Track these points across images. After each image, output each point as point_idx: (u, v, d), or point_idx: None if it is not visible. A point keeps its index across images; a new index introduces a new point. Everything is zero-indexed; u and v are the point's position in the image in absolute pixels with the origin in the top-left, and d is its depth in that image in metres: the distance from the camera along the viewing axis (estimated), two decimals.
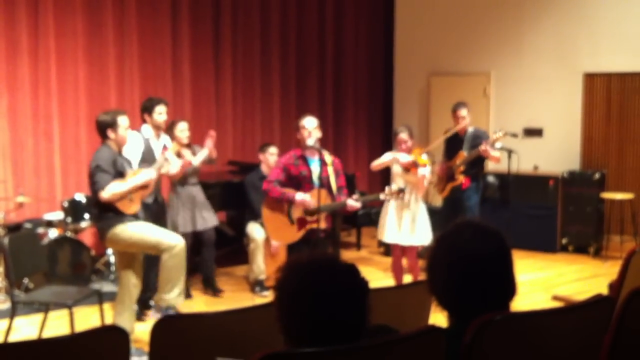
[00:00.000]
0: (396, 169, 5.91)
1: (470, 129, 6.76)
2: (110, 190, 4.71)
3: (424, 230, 5.88)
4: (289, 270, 1.88)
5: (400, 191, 5.48)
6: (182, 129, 6.25)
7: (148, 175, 4.99)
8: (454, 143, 6.78)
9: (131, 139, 5.71)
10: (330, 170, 5.27)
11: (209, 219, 6.48)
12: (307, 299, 1.80)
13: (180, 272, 4.96)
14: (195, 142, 6.56)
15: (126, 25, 7.85)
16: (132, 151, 5.61)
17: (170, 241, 4.90)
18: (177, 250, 4.89)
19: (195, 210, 6.37)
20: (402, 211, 5.85)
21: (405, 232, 5.85)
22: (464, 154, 6.63)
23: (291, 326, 1.83)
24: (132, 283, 5.01)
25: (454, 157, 6.68)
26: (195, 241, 6.52)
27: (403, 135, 5.87)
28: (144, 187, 5.01)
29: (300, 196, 5.25)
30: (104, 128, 4.87)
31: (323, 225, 5.30)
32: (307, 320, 1.80)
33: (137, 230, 4.87)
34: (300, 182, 5.30)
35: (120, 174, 4.84)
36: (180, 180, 6.29)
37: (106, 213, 4.84)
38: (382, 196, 5.53)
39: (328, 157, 5.30)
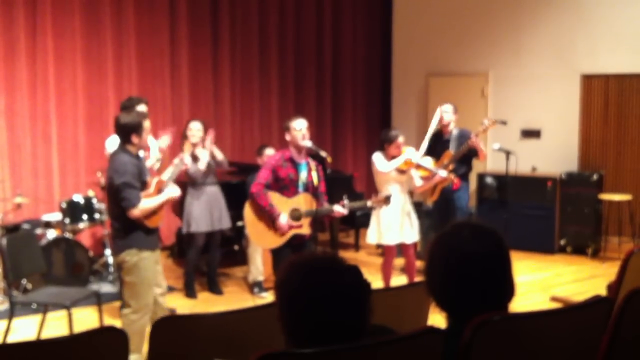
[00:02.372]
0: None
1: (455, 130, 6.78)
2: (142, 207, 4.48)
3: (417, 225, 6.02)
4: (291, 270, 1.87)
5: (387, 198, 5.52)
6: (196, 129, 6.31)
7: (174, 192, 4.80)
8: (438, 144, 6.76)
9: (113, 142, 5.67)
10: (314, 175, 5.25)
11: (222, 221, 6.51)
12: (308, 299, 1.80)
13: (142, 338, 4.53)
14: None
15: (124, 25, 7.84)
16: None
17: (145, 306, 4.62)
18: (141, 315, 4.59)
19: (213, 211, 6.40)
20: (400, 211, 5.89)
21: (407, 230, 5.93)
22: (451, 153, 6.64)
23: (292, 326, 1.83)
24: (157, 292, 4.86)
25: (440, 159, 6.66)
26: (206, 241, 6.53)
27: (402, 139, 5.93)
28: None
29: (282, 220, 5.17)
30: (128, 132, 4.49)
31: (307, 231, 5.27)
32: (307, 320, 1.80)
33: (142, 270, 4.58)
34: (287, 185, 5.22)
35: (144, 184, 4.60)
36: (191, 182, 6.34)
37: (131, 232, 4.53)
38: (369, 203, 5.55)
39: (312, 163, 5.28)
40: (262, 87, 9.18)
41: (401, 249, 6.04)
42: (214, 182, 6.48)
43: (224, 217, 6.52)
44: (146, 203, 4.52)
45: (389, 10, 10.22)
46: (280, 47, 9.30)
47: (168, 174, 5.30)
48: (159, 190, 4.70)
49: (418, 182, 6.11)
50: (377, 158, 5.96)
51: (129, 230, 4.54)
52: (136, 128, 4.49)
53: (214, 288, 6.65)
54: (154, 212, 4.62)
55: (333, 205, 5.36)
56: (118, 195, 4.46)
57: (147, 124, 4.59)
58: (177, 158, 5.79)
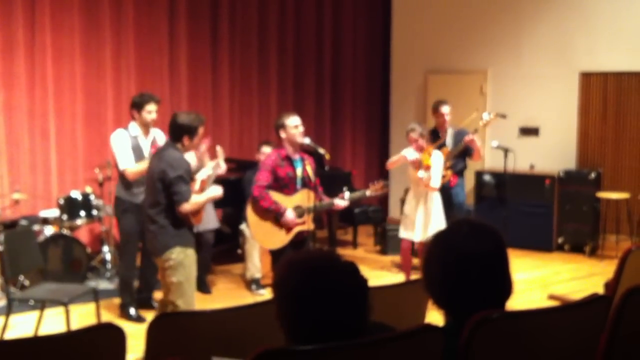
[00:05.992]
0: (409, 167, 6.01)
1: (451, 129, 6.89)
2: (193, 202, 4.49)
3: (439, 225, 5.98)
4: (289, 267, 1.87)
5: (385, 185, 5.55)
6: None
7: (217, 191, 4.77)
8: (434, 142, 6.77)
9: (119, 136, 5.68)
10: (309, 169, 5.24)
11: (210, 221, 6.49)
12: (306, 297, 1.80)
13: None
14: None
15: (123, 21, 7.83)
16: (120, 149, 5.56)
17: (192, 305, 4.66)
18: None
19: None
20: (424, 208, 5.92)
21: (429, 228, 5.95)
22: (447, 149, 6.66)
23: (290, 323, 1.83)
24: None
25: None
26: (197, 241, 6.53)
27: (413, 135, 5.92)
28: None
29: (289, 215, 5.16)
30: (182, 132, 4.51)
31: (311, 226, 5.26)
32: (305, 318, 1.80)
33: (188, 267, 4.60)
34: (287, 184, 5.20)
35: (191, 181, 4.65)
36: None
37: (179, 229, 4.54)
38: (368, 192, 5.54)
39: (305, 157, 5.28)
40: (261, 84, 9.16)
41: (417, 247, 6.07)
42: None
43: (210, 218, 6.48)
44: (196, 198, 4.54)
45: (389, 7, 10.22)
46: (279, 45, 9.29)
47: (204, 176, 5.23)
48: (202, 189, 4.73)
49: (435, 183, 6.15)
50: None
51: (177, 227, 4.52)
52: (191, 131, 4.52)
53: (203, 287, 6.62)
54: (198, 210, 4.64)
55: (333, 198, 5.36)
56: (170, 188, 4.42)
57: (201, 130, 4.60)
58: (212, 161, 5.75)
